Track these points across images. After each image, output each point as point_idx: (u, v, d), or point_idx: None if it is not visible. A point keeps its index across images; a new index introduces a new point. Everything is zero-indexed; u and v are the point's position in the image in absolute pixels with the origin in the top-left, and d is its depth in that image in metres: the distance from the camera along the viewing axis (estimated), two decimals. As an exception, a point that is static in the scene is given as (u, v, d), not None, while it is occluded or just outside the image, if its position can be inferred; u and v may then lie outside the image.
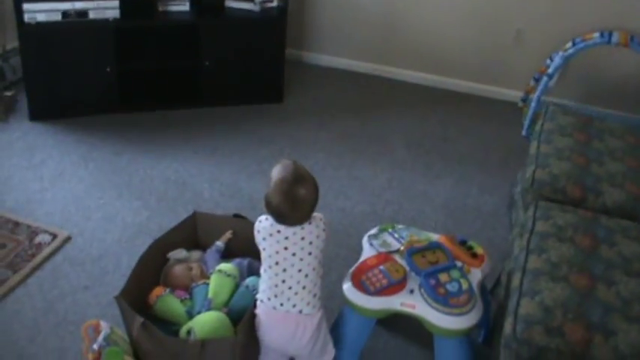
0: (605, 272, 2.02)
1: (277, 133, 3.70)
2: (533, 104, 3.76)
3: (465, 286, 2.11)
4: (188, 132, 3.65)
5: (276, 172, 2.02)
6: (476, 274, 2.20)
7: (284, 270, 2.02)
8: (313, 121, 3.85)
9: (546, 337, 1.83)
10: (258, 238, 2.04)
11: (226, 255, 2.43)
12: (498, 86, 4.21)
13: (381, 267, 2.16)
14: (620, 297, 1.94)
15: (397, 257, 2.22)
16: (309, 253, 2.02)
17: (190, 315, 2.15)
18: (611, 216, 2.32)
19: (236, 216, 2.50)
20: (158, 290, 2.21)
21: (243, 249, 2.39)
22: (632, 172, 2.52)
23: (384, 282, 2.12)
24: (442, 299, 2.07)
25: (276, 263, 2.03)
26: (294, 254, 2.01)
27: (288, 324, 2.06)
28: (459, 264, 2.19)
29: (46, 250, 2.74)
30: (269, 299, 2.05)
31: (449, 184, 3.38)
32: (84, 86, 3.56)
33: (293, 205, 1.97)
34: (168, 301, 2.18)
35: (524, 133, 3.82)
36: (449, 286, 2.10)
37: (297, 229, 2.01)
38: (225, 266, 2.27)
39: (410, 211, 3.16)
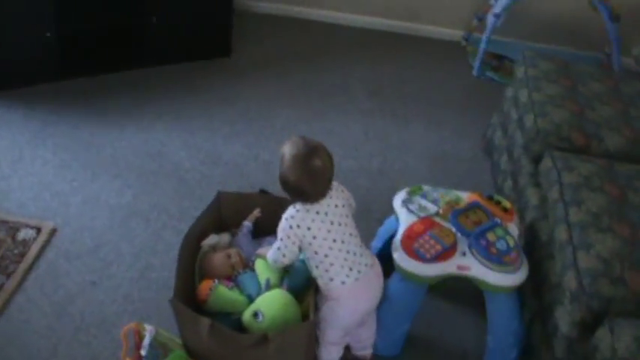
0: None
1: (236, 90, 3.51)
2: (483, 45, 3.83)
3: (511, 243, 2.17)
4: (143, 95, 3.38)
5: (287, 150, 1.99)
6: (513, 229, 2.27)
7: (342, 242, 2.01)
8: (268, 74, 3.69)
9: (612, 288, 1.93)
10: (301, 231, 1.98)
11: (255, 234, 2.33)
12: (437, 26, 4.24)
13: (430, 232, 2.16)
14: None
15: (438, 220, 2.24)
16: (347, 215, 2.04)
17: (251, 299, 2.06)
18: (617, 160, 2.46)
19: (262, 192, 2.38)
20: (207, 284, 2.07)
21: (271, 226, 2.30)
22: (622, 115, 2.65)
23: (438, 248, 2.13)
24: (496, 258, 2.12)
25: (334, 241, 2.00)
26: (339, 224, 2.01)
27: (373, 283, 2.06)
28: (498, 221, 2.24)
29: (35, 247, 2.48)
30: (348, 276, 2.01)
31: (420, 130, 3.41)
32: (22, 54, 3.17)
33: (312, 177, 1.94)
34: (223, 292, 2.06)
35: (475, 73, 3.91)
36: (498, 245, 2.15)
37: (327, 200, 2.00)
38: (264, 250, 2.17)
39: (395, 163, 3.16)
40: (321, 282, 2.04)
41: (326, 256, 2.00)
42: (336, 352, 2.14)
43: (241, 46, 3.87)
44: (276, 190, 2.83)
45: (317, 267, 2.03)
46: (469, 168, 3.19)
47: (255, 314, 1.99)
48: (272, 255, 2.09)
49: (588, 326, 1.95)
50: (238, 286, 2.12)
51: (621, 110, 2.69)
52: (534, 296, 2.27)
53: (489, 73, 3.90)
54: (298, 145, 1.97)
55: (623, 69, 3.74)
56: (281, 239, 2.03)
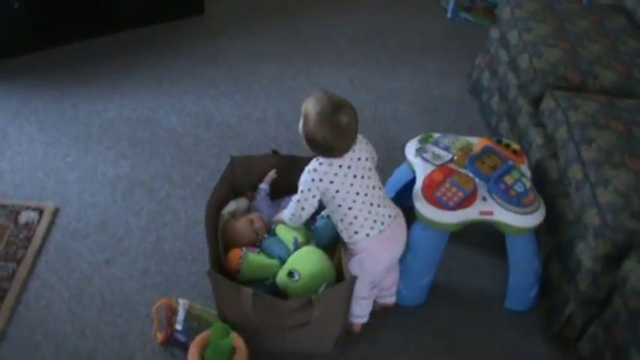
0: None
1: (216, 49, 3.42)
2: (455, -15, 3.82)
3: (527, 184, 2.21)
4: (121, 61, 3.26)
5: (311, 106, 1.96)
6: (526, 171, 2.31)
7: (365, 195, 2.01)
8: (245, 30, 3.60)
9: (634, 221, 1.99)
10: (323, 184, 1.97)
11: (272, 196, 2.31)
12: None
13: (450, 180, 2.18)
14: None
15: (455, 167, 2.26)
16: (370, 168, 2.04)
17: (282, 260, 2.05)
18: (613, 96, 2.51)
19: (274, 152, 2.34)
20: (235, 253, 2.04)
21: (288, 186, 2.28)
22: (611, 51, 2.69)
23: (460, 195, 2.15)
24: (515, 201, 2.15)
25: (357, 194, 2.00)
26: (362, 177, 2.00)
27: (397, 234, 2.07)
28: (512, 164, 2.28)
29: (40, 230, 2.40)
30: (372, 228, 2.02)
31: (405, 76, 3.40)
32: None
33: (339, 133, 1.93)
34: (254, 259, 2.04)
35: (449, 15, 3.89)
36: (516, 187, 2.19)
37: (350, 154, 2.00)
38: (281, 214, 2.16)
39: (386, 111, 3.16)
40: (345, 235, 2.05)
41: (350, 208, 2.00)
42: (367, 306, 2.16)
43: (214, 2, 3.76)
44: (281, 148, 2.85)
45: (341, 220, 2.03)
46: (459, 110, 3.21)
47: (291, 274, 1.99)
48: (290, 210, 2.07)
49: (611, 260, 2.02)
50: (264, 251, 2.11)
51: (610, 46, 2.73)
52: (549, 234, 2.33)
53: (463, 15, 3.90)
54: (323, 102, 1.94)
55: (592, 3, 3.79)
56: (301, 191, 2.02)
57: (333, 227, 2.10)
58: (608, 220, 2.01)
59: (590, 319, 2.14)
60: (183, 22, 3.57)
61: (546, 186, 2.36)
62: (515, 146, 2.38)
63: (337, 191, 1.98)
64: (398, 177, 2.47)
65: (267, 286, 2.03)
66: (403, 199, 2.51)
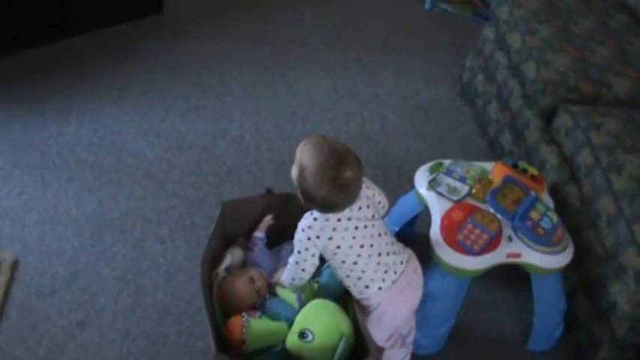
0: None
1: (180, 55, 3.08)
2: (432, -26, 3.56)
3: (554, 219, 1.99)
4: (73, 73, 2.88)
5: (309, 157, 1.67)
6: (548, 200, 2.10)
7: (371, 245, 1.75)
8: (211, 31, 3.25)
9: (679, 262, 1.82)
10: (321, 242, 1.72)
11: (270, 242, 2.03)
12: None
13: (471, 220, 1.95)
14: None
15: (476, 203, 2.03)
16: (373, 216, 1.77)
17: (289, 321, 1.79)
18: (629, 107, 2.32)
19: (268, 191, 2.06)
20: (237, 322, 1.75)
21: (285, 228, 2.01)
22: (620, 55, 2.48)
23: (486, 237, 1.92)
24: (545, 240, 1.94)
25: (361, 246, 1.74)
26: (365, 226, 1.75)
27: (412, 280, 1.82)
28: (535, 195, 2.06)
29: (-2, 287, 2.08)
30: (384, 280, 1.77)
31: (390, 79, 3.13)
32: None
33: (343, 191, 1.67)
34: (258, 325, 1.76)
35: (427, 6, 3.63)
36: (543, 224, 1.97)
37: (350, 206, 1.73)
38: (279, 275, 1.88)
39: (374, 121, 2.89)
40: (355, 292, 1.80)
41: (355, 263, 1.75)
42: (398, 354, 1.94)
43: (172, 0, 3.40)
44: (264, 171, 2.56)
45: (347, 276, 1.78)
46: (451, 117, 2.97)
47: (302, 334, 1.72)
48: (289, 274, 1.81)
49: (655, 304, 1.85)
50: (267, 313, 1.83)
51: (618, 49, 2.52)
52: (574, 267, 2.13)
53: (442, 5, 3.64)
54: (323, 153, 1.65)
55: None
56: (299, 252, 1.76)
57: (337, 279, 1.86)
58: (651, 263, 1.82)
59: (627, 364, 1.99)
60: (140, 23, 3.20)
61: (567, 214, 2.15)
62: (534, 171, 2.16)
63: (338, 247, 1.73)
64: (405, 208, 2.23)
65: (277, 354, 1.77)
66: (407, 229, 2.30)
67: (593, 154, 2.10)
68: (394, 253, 1.80)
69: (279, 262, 1.96)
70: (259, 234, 2.00)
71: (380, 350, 1.67)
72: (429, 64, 3.25)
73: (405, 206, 2.23)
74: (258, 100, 2.90)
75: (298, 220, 2.02)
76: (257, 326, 1.77)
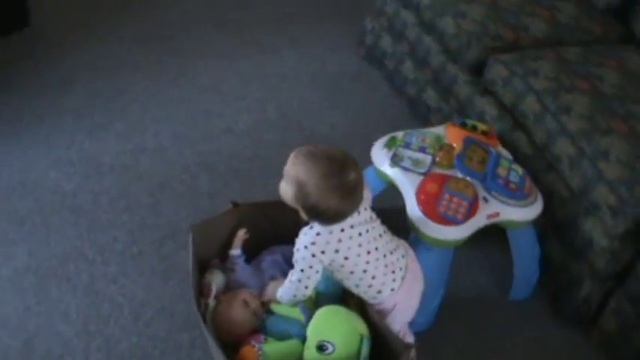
0: (626, 107, 2.08)
1: (63, 69, 2.77)
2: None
3: (520, 171, 2.01)
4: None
5: (306, 170, 1.57)
6: (507, 154, 2.10)
7: (376, 249, 1.68)
8: (89, 39, 2.95)
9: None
10: (327, 256, 1.62)
11: (246, 258, 1.89)
12: None
13: (447, 189, 1.91)
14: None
15: (443, 171, 1.99)
16: (371, 217, 1.70)
17: (300, 336, 1.68)
18: (549, 47, 2.36)
19: (235, 204, 1.89)
20: (249, 352, 1.61)
21: (259, 239, 1.88)
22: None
23: (465, 204, 1.89)
24: (518, 194, 1.95)
25: (368, 253, 1.67)
26: (367, 230, 1.66)
27: (416, 269, 1.78)
28: (494, 151, 2.06)
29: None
30: (394, 280, 1.71)
31: (292, 55, 3.01)
32: None
33: (350, 196, 1.58)
34: (272, 350, 1.64)
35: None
36: (512, 178, 1.98)
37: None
38: (270, 291, 1.78)
39: (292, 102, 2.77)
40: (368, 298, 1.73)
41: (365, 271, 1.67)
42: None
43: (38, 11, 3.02)
44: (197, 178, 2.38)
45: (357, 286, 1.70)
46: (363, 83, 2.91)
47: (321, 347, 1.61)
48: (289, 291, 1.70)
49: (631, 233, 1.92)
50: (271, 333, 1.71)
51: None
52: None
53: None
54: (322, 162, 1.55)
55: None
56: (301, 270, 1.65)
57: (335, 282, 1.77)
58: (624, 197, 1.87)
59: (607, 294, 2.06)
60: (6, 41, 2.84)
61: (519, 162, 2.18)
62: (483, 127, 2.16)
63: (346, 258, 1.63)
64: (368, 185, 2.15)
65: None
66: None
67: (539, 100, 2.12)
68: (395, 250, 1.74)
69: (264, 277, 1.84)
70: (236, 251, 1.86)
71: (409, 347, 1.61)
72: (326, 33, 3.16)
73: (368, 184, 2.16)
74: (166, 103, 2.68)
75: (269, 229, 1.91)
76: (271, 351, 1.64)
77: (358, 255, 1.64)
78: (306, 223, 1.66)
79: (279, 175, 2.48)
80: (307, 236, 1.61)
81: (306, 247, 1.61)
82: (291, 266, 1.87)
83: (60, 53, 2.84)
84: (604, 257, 1.97)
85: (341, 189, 1.54)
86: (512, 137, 2.23)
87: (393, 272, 1.71)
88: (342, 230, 1.62)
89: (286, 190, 1.60)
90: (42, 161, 2.38)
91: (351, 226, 1.63)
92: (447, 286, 2.02)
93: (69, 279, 2.05)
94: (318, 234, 1.60)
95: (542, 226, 2.16)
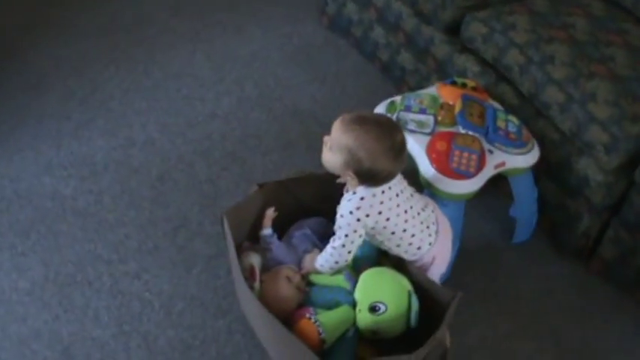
0: (602, 51, 2.19)
1: (30, 72, 2.67)
2: None
3: (516, 121, 2.12)
4: None
5: (356, 136, 1.62)
6: (497, 106, 2.20)
7: (411, 207, 1.77)
8: (50, 37, 2.85)
9: (634, 125, 2.02)
10: (371, 219, 1.69)
11: (280, 235, 1.92)
12: None
13: (455, 146, 1.99)
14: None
15: (448, 129, 2.07)
16: (402, 177, 1.77)
17: (350, 301, 1.73)
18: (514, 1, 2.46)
19: (260, 185, 1.91)
20: (307, 325, 1.65)
21: (287, 215, 1.92)
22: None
23: (474, 157, 1.98)
24: (519, 143, 2.06)
25: (405, 212, 1.75)
26: (402, 191, 1.75)
27: (444, 221, 1.86)
28: (490, 105, 2.16)
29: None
30: (430, 235, 1.80)
31: (257, 32, 3.01)
32: None
33: (402, 156, 1.67)
34: (327, 319, 1.68)
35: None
36: (510, 129, 2.09)
37: None
38: (308, 262, 1.83)
39: (267, 80, 2.77)
40: (408, 255, 1.80)
41: (404, 230, 1.75)
42: None
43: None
44: (194, 165, 2.38)
45: (398, 246, 1.78)
46: (332, 52, 2.95)
47: (374, 308, 1.69)
48: (331, 258, 1.76)
49: (624, 167, 2.07)
50: (317, 305, 1.76)
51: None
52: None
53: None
54: (372, 126, 1.62)
55: None
56: (346, 235, 1.71)
57: (370, 245, 1.84)
58: (616, 134, 2.02)
59: (604, 225, 2.22)
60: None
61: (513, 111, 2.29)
62: (472, 83, 2.25)
63: (388, 219, 1.71)
64: None
65: (350, 339, 1.72)
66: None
67: (522, 52, 2.22)
68: (426, 206, 1.82)
69: (298, 252, 1.88)
70: (267, 231, 1.89)
71: (457, 295, 1.69)
72: (286, 5, 3.17)
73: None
74: (144, 94, 2.64)
75: (293, 205, 1.96)
76: (327, 320, 1.70)
77: (398, 215, 1.72)
78: (340, 192, 1.72)
79: (275, 152, 2.54)
80: (352, 202, 1.67)
81: (351, 212, 1.67)
82: (321, 238, 1.94)
83: (21, 56, 2.74)
84: (600, 191, 2.12)
85: (393, 150, 1.61)
86: (497, 90, 2.33)
87: (428, 227, 1.80)
88: (383, 192, 1.69)
89: (333, 159, 1.65)
90: (31, 168, 2.32)
91: (389, 188, 1.70)
92: (461, 237, 2.14)
93: (91, 283, 2.03)
94: (362, 198, 1.67)
95: (536, 169, 2.29)
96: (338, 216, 1.71)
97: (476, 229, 2.33)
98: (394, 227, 1.73)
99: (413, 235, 1.77)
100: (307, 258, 1.84)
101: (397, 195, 1.73)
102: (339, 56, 2.94)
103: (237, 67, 2.82)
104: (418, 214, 1.78)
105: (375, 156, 1.60)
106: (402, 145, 1.64)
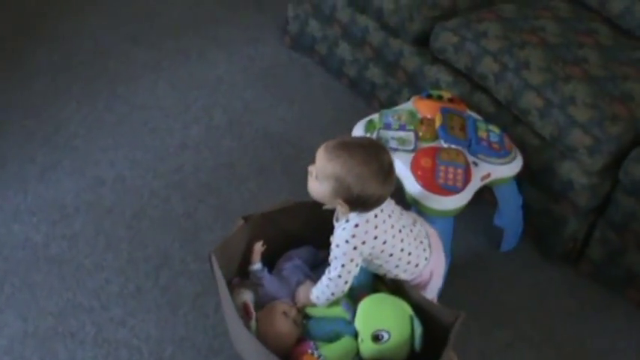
0: (575, 52, 2.20)
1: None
2: None
3: (497, 130, 2.10)
4: None
5: (343, 162, 1.56)
6: (476, 116, 2.18)
7: (404, 226, 1.72)
8: (4, 78, 2.75)
9: (616, 125, 2.00)
10: (367, 247, 1.64)
11: (269, 268, 1.85)
12: None
13: (440, 161, 1.96)
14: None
15: (430, 144, 2.03)
16: (391, 195, 1.71)
17: (351, 332, 1.67)
18: (487, 8, 2.44)
19: (245, 219, 1.83)
20: (310, 360, 1.60)
21: (268, 249, 1.84)
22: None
23: (460, 171, 1.95)
24: (503, 152, 2.04)
25: (400, 231, 1.70)
26: (393, 211, 1.70)
27: (434, 235, 1.82)
28: (470, 116, 2.13)
29: None
30: (425, 250, 1.76)
31: (220, 56, 2.92)
32: None
33: (391, 178, 1.62)
34: (331, 352, 1.63)
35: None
36: (492, 139, 2.07)
37: None
38: (302, 296, 1.76)
39: (236, 105, 2.70)
40: (407, 275, 1.75)
41: (402, 250, 1.70)
42: None
43: None
44: (170, 199, 2.29)
45: (397, 266, 1.73)
46: (297, 72, 2.90)
47: (377, 337, 1.63)
48: (327, 290, 1.69)
49: (608, 168, 2.06)
50: (318, 338, 1.69)
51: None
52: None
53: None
54: (357, 151, 1.56)
55: None
56: (342, 265, 1.65)
57: (365, 272, 1.78)
58: (598, 135, 2.01)
59: (591, 227, 2.21)
60: None
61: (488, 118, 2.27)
62: (447, 94, 2.23)
63: (384, 242, 1.66)
64: None
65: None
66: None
67: (496, 60, 2.21)
68: (415, 222, 1.78)
69: (290, 284, 1.81)
70: (257, 266, 1.81)
71: (460, 315, 1.65)
72: (245, 27, 3.10)
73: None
74: (109, 130, 2.54)
75: (279, 236, 1.89)
76: (331, 354, 1.64)
77: (393, 236, 1.67)
78: (327, 219, 1.67)
79: (250, 179, 2.48)
80: (346, 230, 1.62)
81: (347, 241, 1.62)
82: (311, 267, 1.88)
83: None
84: (585, 194, 2.11)
85: (382, 172, 1.56)
86: (472, 99, 2.32)
87: (422, 242, 1.76)
88: (376, 216, 1.64)
89: (321, 189, 1.60)
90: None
91: (381, 210, 1.65)
92: (452, 252, 2.10)
93: (73, 334, 1.92)
94: (356, 225, 1.62)
95: (519, 176, 2.27)
96: (333, 246, 1.66)
97: (462, 241, 2.29)
98: (391, 249, 1.68)
99: (410, 254, 1.72)
100: (301, 291, 1.77)
101: (389, 216, 1.68)
102: (305, 75, 2.89)
103: (203, 94, 2.74)
104: (411, 231, 1.74)
105: (364, 180, 1.55)
106: (390, 167, 1.59)
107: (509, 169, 2.05)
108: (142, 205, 2.28)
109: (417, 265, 1.75)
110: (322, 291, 1.70)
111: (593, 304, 2.19)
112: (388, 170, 1.58)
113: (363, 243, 1.63)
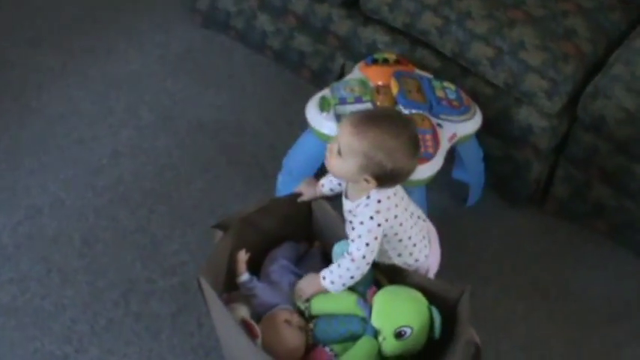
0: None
1: None
2: None
3: (453, 87, 2.04)
4: None
5: (372, 138, 1.47)
6: (428, 75, 2.10)
7: (412, 213, 1.66)
8: None
9: (567, 64, 2.00)
10: (389, 223, 1.57)
11: (257, 275, 1.72)
12: None
13: (407, 130, 1.88)
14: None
15: (390, 112, 1.94)
16: None
17: (370, 331, 1.57)
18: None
19: (219, 227, 1.68)
20: (327, 366, 1.51)
21: (253, 252, 1.72)
22: None
23: (429, 137, 1.87)
24: (464, 109, 1.98)
25: (411, 216, 1.65)
26: (404, 194, 1.65)
27: (434, 234, 1.78)
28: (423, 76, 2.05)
29: None
30: (425, 246, 1.71)
31: (129, 49, 2.67)
32: None
33: (419, 149, 1.55)
34: (349, 357, 1.54)
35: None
36: (450, 96, 2.01)
37: None
38: (306, 287, 1.64)
39: (161, 99, 2.49)
40: (409, 264, 1.69)
41: (409, 238, 1.64)
42: None
43: None
44: (119, 216, 2.12)
45: (400, 255, 1.67)
46: (216, 51, 2.70)
47: (399, 334, 1.54)
48: (346, 274, 1.56)
49: (565, 108, 2.06)
50: (328, 341, 1.60)
51: None
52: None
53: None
54: (385, 124, 1.49)
55: None
56: (367, 244, 1.54)
57: None
58: (554, 77, 1.99)
59: (553, 166, 2.22)
60: None
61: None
62: (392, 56, 2.14)
63: (401, 224, 1.60)
64: (313, 153, 2.00)
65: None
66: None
67: (437, 13, 2.13)
68: (419, 216, 1.72)
69: (283, 287, 1.70)
70: (245, 276, 1.68)
71: (465, 289, 1.59)
72: (151, 12, 2.85)
73: (311, 150, 2.01)
74: (31, 150, 2.28)
75: (258, 239, 1.77)
76: (353, 357, 1.55)
77: (406, 219, 1.61)
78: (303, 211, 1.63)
79: (196, 177, 2.32)
80: (369, 207, 1.53)
81: (372, 217, 1.53)
82: (296, 263, 1.77)
83: None
84: (545, 136, 2.11)
85: (411, 145, 1.50)
86: (414, 57, 2.24)
87: (424, 237, 1.71)
88: (395, 194, 1.58)
89: (344, 165, 1.50)
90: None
91: (394, 193, 1.58)
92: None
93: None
94: (379, 201, 1.54)
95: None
96: (357, 224, 1.55)
97: (430, 201, 2.26)
98: (403, 233, 1.62)
99: (415, 245, 1.67)
100: (305, 282, 1.64)
101: (402, 198, 1.62)
102: (225, 53, 2.71)
103: (123, 93, 2.51)
104: (416, 222, 1.67)
105: (396, 155, 1.47)
106: (417, 138, 1.52)
107: (472, 124, 2.00)
108: (89, 228, 2.08)
109: (417, 260, 1.69)
110: (340, 275, 1.57)
111: (566, 242, 2.22)
112: (416, 142, 1.51)
113: (386, 220, 1.55)
